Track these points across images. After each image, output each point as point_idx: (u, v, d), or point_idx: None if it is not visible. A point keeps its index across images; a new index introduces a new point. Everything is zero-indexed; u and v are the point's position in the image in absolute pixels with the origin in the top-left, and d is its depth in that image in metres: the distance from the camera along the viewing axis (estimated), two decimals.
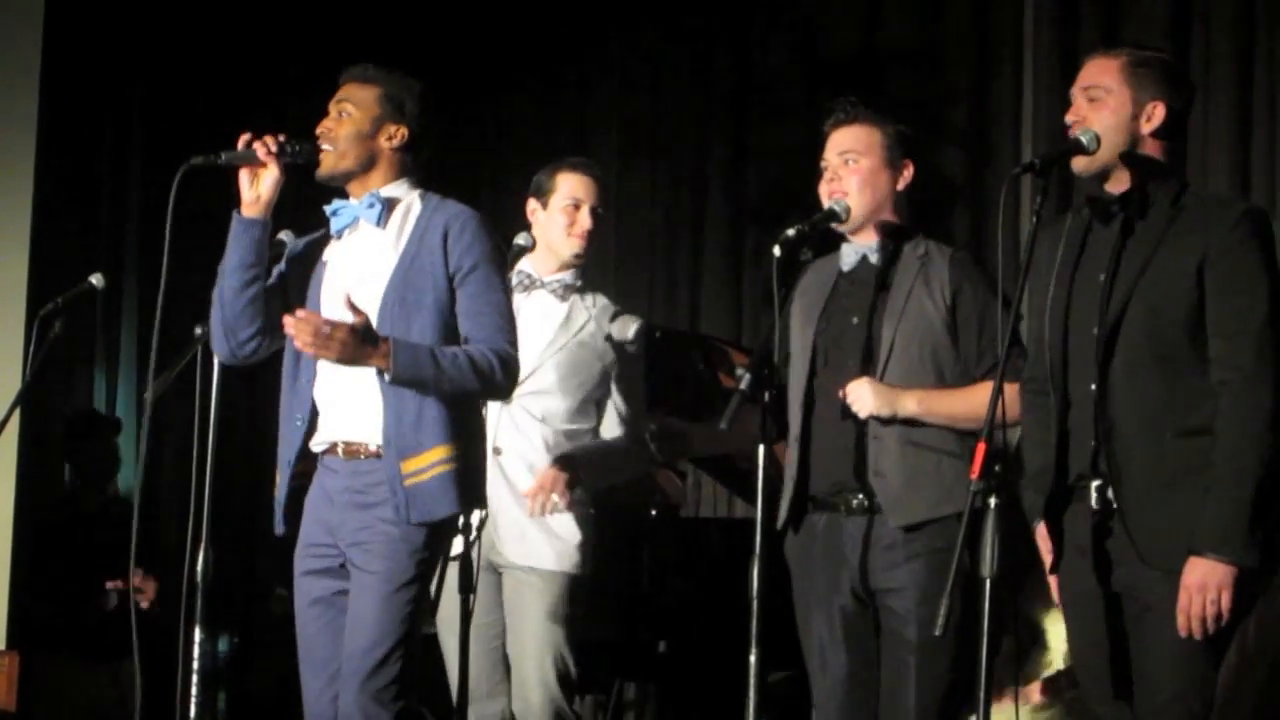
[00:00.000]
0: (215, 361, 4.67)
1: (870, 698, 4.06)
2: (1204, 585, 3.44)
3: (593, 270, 4.91)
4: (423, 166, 4.18)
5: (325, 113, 4.15)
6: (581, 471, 4.60)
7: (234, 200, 4.15)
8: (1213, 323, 3.52)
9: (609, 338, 4.72)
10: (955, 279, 4.06)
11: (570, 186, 4.72)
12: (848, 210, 4.14)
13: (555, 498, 4.53)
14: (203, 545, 4.70)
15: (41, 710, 6.39)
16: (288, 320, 3.89)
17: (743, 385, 3.98)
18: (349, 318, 3.88)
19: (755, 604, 3.91)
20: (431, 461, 3.97)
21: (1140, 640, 3.55)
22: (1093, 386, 3.59)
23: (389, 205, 4.10)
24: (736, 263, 7.84)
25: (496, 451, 4.58)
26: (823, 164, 4.23)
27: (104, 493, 6.81)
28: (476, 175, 8.32)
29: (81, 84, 7.41)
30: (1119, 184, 3.66)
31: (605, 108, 8.36)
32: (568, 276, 4.72)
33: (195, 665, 4.85)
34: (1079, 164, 3.68)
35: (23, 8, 6.97)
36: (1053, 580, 3.75)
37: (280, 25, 7.64)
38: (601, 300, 4.78)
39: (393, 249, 4.07)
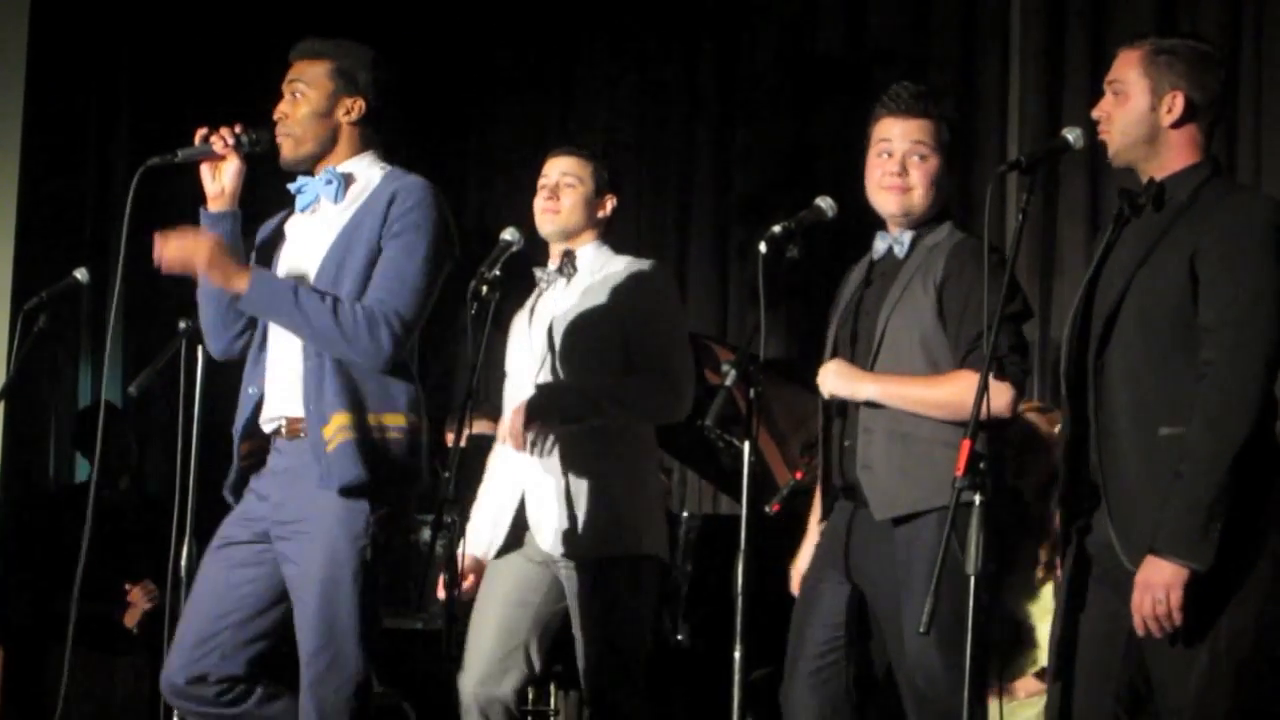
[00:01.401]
0: (199, 356, 4.67)
1: (832, 681, 4.04)
2: (1150, 583, 3.38)
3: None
4: (387, 136, 4.14)
5: (280, 95, 4.12)
6: (554, 405, 4.51)
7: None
8: (1201, 316, 3.46)
9: (628, 290, 4.60)
10: (947, 266, 4.01)
11: (543, 172, 4.70)
12: (834, 208, 4.12)
13: (516, 434, 4.46)
14: (186, 539, 4.69)
15: (57, 704, 6.39)
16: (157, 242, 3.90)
17: (728, 382, 3.98)
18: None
19: (740, 600, 3.90)
20: (336, 428, 3.93)
21: (1143, 648, 3.51)
22: (1092, 381, 3.56)
23: (347, 181, 4.07)
24: (723, 259, 7.84)
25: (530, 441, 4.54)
26: (883, 148, 4.08)
27: (119, 486, 6.79)
28: (462, 169, 8.33)
29: (67, 78, 7.41)
30: (1146, 176, 3.62)
31: (591, 104, 8.35)
32: (568, 258, 4.67)
33: None
34: (1109, 155, 3.64)
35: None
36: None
37: (268, 14, 7.62)
38: (620, 261, 4.67)
39: (345, 219, 4.04)
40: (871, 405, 4.01)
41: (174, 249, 3.91)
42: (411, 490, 4.07)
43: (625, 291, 4.59)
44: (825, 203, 4.12)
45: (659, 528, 4.61)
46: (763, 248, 3.99)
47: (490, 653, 4.53)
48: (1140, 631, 3.43)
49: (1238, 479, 3.38)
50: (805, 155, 7.36)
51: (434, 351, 5.84)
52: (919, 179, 4.06)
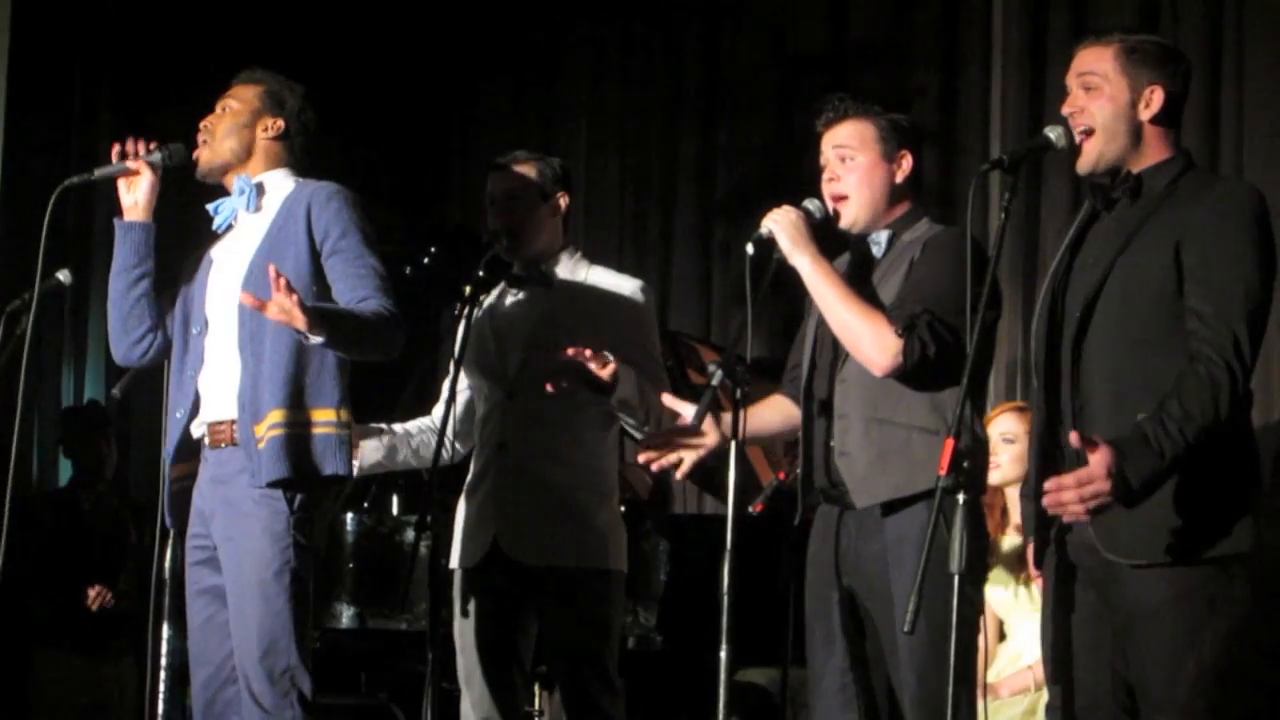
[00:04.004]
0: None
1: (861, 695, 4.02)
2: (1092, 472, 3.30)
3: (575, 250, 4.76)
4: (300, 158, 4.28)
5: (212, 110, 4.28)
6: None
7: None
8: (1189, 302, 3.45)
9: (604, 303, 4.58)
10: (919, 257, 4.01)
11: (488, 193, 4.65)
12: (821, 209, 4.10)
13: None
14: (170, 541, 4.68)
15: (41, 705, 6.40)
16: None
17: (713, 382, 3.97)
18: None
19: (726, 600, 3.90)
20: (269, 425, 4.04)
21: (1126, 639, 3.50)
22: (1069, 369, 3.55)
23: (260, 190, 4.21)
24: (706, 259, 7.85)
25: (502, 448, 4.54)
26: (821, 163, 4.12)
27: (99, 489, 6.78)
28: (445, 168, 8.33)
29: (49, 80, 7.39)
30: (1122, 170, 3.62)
31: (575, 103, 8.37)
32: (539, 268, 4.63)
33: (164, 661, 4.85)
34: (1083, 163, 3.62)
35: None
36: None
37: (253, 19, 7.61)
38: (596, 274, 4.65)
39: (264, 226, 4.17)
40: (847, 391, 4.01)
41: (276, 313, 3.88)
42: (333, 487, 4.17)
43: (612, 305, 4.57)
44: (813, 204, 4.10)
45: (624, 544, 4.62)
46: (749, 249, 3.98)
47: (483, 673, 4.52)
48: (1046, 505, 3.38)
49: (1200, 459, 3.36)
50: (788, 154, 7.36)
51: (418, 352, 5.83)
52: (850, 180, 4.05)
